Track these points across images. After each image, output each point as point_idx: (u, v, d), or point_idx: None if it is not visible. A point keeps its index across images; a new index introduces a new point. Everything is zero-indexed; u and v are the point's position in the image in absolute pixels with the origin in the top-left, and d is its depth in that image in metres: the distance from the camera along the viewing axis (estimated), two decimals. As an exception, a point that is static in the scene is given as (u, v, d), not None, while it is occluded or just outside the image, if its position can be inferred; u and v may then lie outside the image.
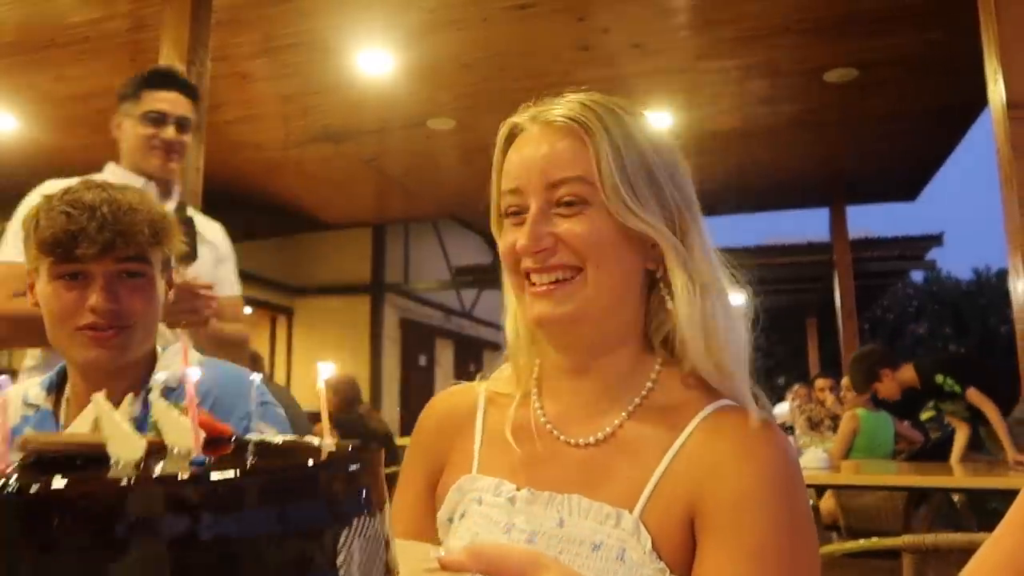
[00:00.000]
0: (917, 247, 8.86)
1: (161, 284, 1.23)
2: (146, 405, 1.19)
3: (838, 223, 7.67)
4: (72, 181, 1.26)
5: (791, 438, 4.06)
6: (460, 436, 0.93)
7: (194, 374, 0.48)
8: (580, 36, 4.58)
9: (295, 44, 4.60)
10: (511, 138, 0.88)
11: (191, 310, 1.71)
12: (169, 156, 2.10)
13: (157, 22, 3.80)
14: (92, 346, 1.14)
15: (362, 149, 6.40)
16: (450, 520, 0.87)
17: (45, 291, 1.15)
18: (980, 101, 4.42)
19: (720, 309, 0.84)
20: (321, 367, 0.60)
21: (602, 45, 4.69)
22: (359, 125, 5.83)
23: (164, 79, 2.17)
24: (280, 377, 8.96)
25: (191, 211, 2.21)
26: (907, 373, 4.36)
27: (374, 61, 4.81)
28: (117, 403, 1.18)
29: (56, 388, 1.26)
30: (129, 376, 1.21)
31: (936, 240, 8.54)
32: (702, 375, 0.83)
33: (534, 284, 0.83)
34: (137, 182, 2.02)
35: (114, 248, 1.12)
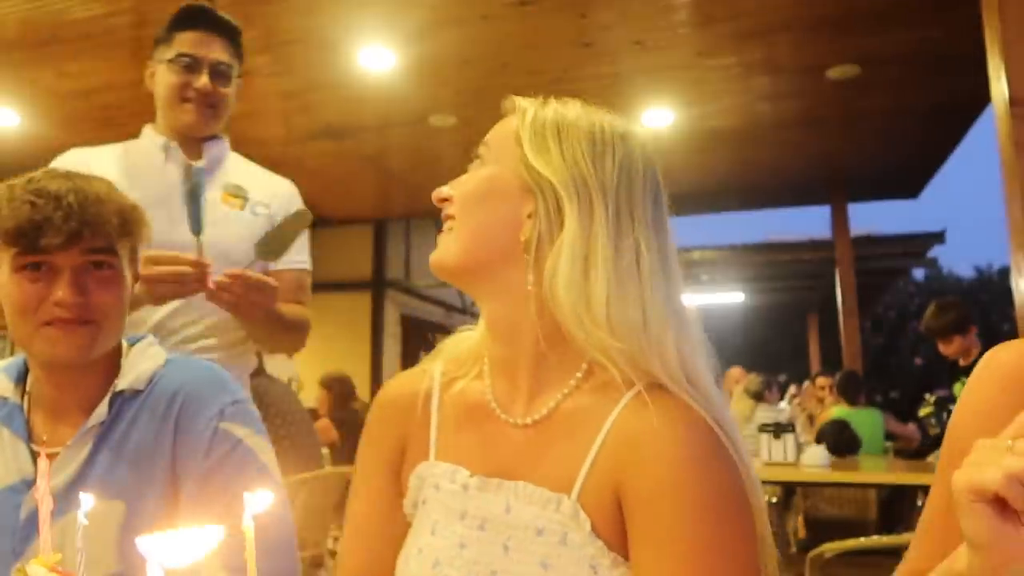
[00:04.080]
0: (919, 245, 8.85)
1: (128, 276, 1.18)
2: (112, 408, 1.15)
3: (840, 220, 7.66)
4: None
5: (791, 436, 4.07)
6: (416, 422, 0.93)
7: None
8: (581, 33, 4.58)
9: (296, 41, 4.59)
10: None
11: (250, 303, 1.49)
12: (203, 110, 1.76)
13: (160, 18, 3.78)
14: (59, 342, 1.08)
15: (363, 146, 6.40)
16: (414, 506, 0.90)
17: (7, 283, 1.09)
18: (983, 98, 4.40)
19: (604, 282, 0.81)
20: (248, 498, 0.52)
21: (603, 42, 4.68)
22: (360, 122, 5.83)
23: (195, 16, 1.79)
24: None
25: (232, 171, 1.87)
26: (971, 340, 4.11)
27: (375, 58, 4.81)
28: (85, 406, 1.14)
29: (24, 379, 1.19)
30: (95, 374, 1.16)
31: (938, 238, 8.52)
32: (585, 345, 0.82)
33: None
34: (161, 145, 1.78)
35: (81, 238, 1.07)
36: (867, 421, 5.12)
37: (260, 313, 1.53)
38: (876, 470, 4.13)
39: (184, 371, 1.21)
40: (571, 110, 0.88)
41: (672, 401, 0.80)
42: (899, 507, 4.26)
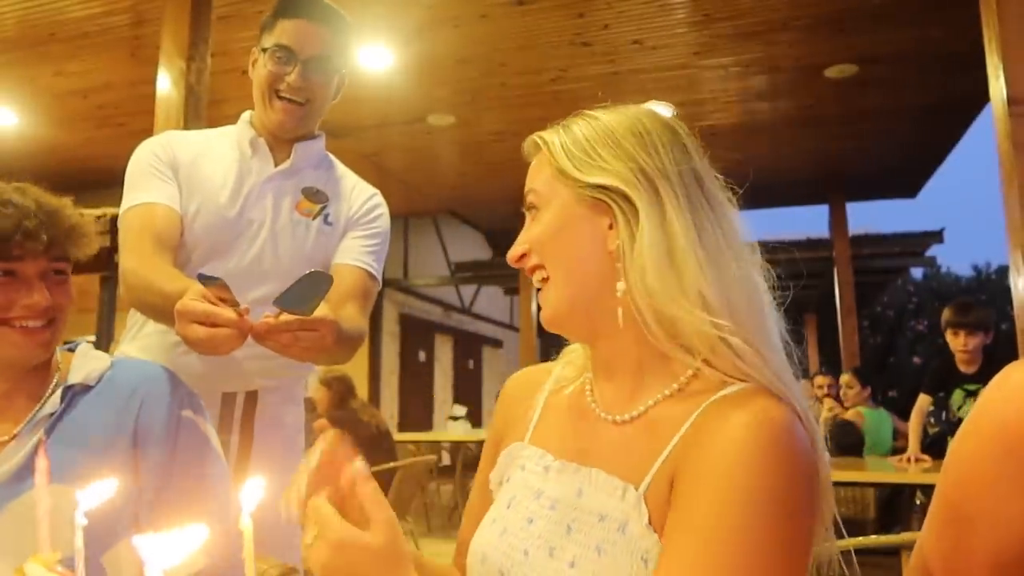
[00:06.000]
0: (917, 244, 8.86)
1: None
2: (62, 401, 1.20)
3: (838, 219, 7.67)
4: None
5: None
6: (524, 411, 0.99)
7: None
8: (579, 32, 4.58)
9: (295, 40, 4.60)
10: None
11: (301, 349, 1.26)
12: (292, 109, 1.60)
13: (158, 17, 3.80)
14: (22, 344, 1.15)
15: (362, 145, 6.39)
16: (499, 483, 0.95)
17: None
18: (981, 97, 4.41)
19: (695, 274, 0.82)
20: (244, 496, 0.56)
21: (601, 41, 4.69)
22: (359, 121, 5.82)
23: (299, 3, 1.60)
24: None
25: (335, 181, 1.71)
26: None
27: (374, 57, 4.81)
28: (24, 404, 1.17)
29: None
30: (38, 373, 1.22)
31: (936, 237, 8.54)
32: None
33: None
34: (250, 140, 1.65)
35: (52, 246, 1.15)
36: (884, 421, 5.13)
37: (315, 355, 1.30)
38: (883, 469, 4.13)
39: (139, 368, 1.29)
40: (601, 116, 0.89)
41: (754, 399, 0.77)
42: (898, 506, 4.26)
